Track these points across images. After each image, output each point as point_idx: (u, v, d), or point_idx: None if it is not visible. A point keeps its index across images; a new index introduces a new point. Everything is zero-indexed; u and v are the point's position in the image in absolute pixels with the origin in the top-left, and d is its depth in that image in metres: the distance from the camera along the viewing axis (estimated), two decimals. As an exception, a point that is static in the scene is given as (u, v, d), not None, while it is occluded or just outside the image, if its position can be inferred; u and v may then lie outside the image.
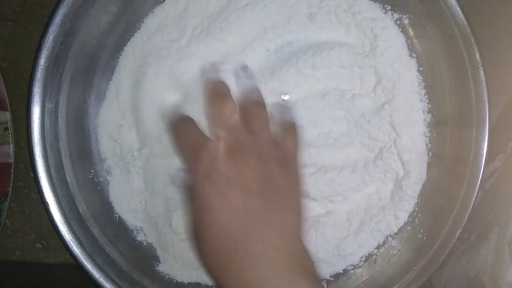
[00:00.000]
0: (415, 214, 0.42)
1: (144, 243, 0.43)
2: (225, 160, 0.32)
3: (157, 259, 0.42)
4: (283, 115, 0.38)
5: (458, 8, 0.38)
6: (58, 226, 0.38)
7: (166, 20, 0.42)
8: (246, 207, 0.31)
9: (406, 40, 0.42)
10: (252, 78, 0.39)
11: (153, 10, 0.42)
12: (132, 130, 0.42)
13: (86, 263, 0.38)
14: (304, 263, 0.31)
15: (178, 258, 0.42)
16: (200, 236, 0.32)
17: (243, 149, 0.33)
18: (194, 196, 0.33)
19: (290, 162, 0.35)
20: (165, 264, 0.42)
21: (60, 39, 0.38)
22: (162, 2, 0.42)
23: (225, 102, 0.35)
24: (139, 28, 0.42)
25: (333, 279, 0.43)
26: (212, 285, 0.43)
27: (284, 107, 0.39)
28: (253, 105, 0.36)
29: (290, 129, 0.38)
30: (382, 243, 0.43)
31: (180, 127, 0.37)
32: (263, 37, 0.41)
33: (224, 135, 0.33)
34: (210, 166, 0.32)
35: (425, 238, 0.41)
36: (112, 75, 0.42)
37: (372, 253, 0.42)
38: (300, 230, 0.33)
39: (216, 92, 0.36)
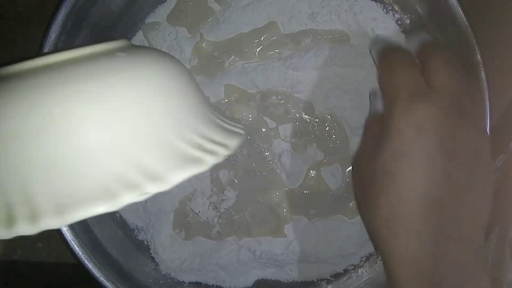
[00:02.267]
0: (416, 214, 0.42)
1: (145, 242, 0.43)
2: (443, 118, 0.28)
3: (158, 259, 0.42)
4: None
5: (459, 9, 0.38)
6: (59, 225, 0.38)
7: (167, 20, 0.42)
8: (447, 176, 0.27)
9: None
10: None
11: (154, 10, 0.42)
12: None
13: (87, 262, 0.38)
14: (486, 264, 0.29)
15: (179, 258, 0.42)
16: (377, 184, 0.28)
17: (462, 112, 0.28)
18: (390, 137, 0.28)
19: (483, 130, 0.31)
20: (166, 264, 0.42)
21: (62, 38, 0.38)
22: (163, 2, 0.42)
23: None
24: (140, 27, 0.42)
25: (333, 279, 0.43)
26: (212, 285, 0.43)
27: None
28: (460, 70, 0.31)
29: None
30: (383, 243, 0.43)
31: (402, 59, 0.32)
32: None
33: (447, 89, 0.29)
34: (425, 118, 0.28)
35: (426, 238, 0.41)
36: (114, 74, 0.42)
37: (373, 253, 0.42)
38: (487, 222, 0.29)
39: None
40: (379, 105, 0.32)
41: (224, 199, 0.41)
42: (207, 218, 0.42)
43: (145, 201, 0.42)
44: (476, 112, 0.30)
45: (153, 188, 0.19)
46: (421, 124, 0.28)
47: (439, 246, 0.27)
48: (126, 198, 0.19)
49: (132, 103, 0.19)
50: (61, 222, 0.17)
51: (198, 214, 0.42)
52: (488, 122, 0.38)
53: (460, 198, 0.27)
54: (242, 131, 0.30)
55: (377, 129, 0.31)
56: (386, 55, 0.32)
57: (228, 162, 0.41)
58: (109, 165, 0.18)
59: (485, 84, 0.38)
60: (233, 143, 0.25)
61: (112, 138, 0.18)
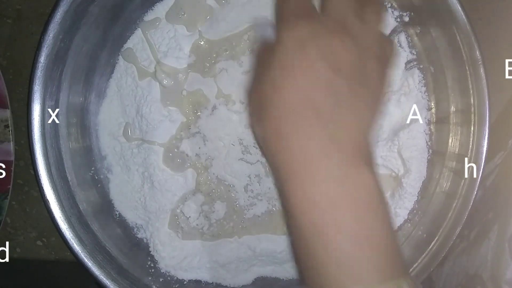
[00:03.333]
0: (415, 211, 0.42)
1: (145, 240, 0.43)
2: (325, 34, 0.30)
3: (157, 257, 0.42)
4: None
5: (459, 6, 0.38)
6: (59, 223, 0.38)
7: (165, 18, 0.42)
8: (329, 84, 0.29)
9: (406, 38, 0.42)
10: None
11: (152, 7, 0.42)
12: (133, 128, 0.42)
13: (86, 260, 0.38)
14: (370, 160, 0.30)
15: (178, 256, 0.42)
16: (267, 96, 0.30)
17: (347, 31, 0.31)
18: (275, 54, 0.30)
19: (385, 62, 0.34)
20: (166, 262, 0.42)
21: (60, 37, 0.38)
22: (161, 0, 0.42)
23: None
24: (139, 25, 0.42)
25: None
26: (212, 283, 0.43)
27: None
28: None
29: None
30: (382, 240, 0.43)
31: None
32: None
33: (334, 12, 0.32)
34: (308, 34, 0.30)
35: (425, 235, 0.41)
36: (113, 72, 0.42)
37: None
38: (372, 128, 0.31)
39: None
40: (268, 33, 0.34)
41: (214, 211, 0.42)
42: (197, 224, 0.42)
43: (145, 199, 0.42)
44: (368, 33, 0.32)
45: None
46: (303, 39, 0.30)
47: (323, 149, 0.29)
48: None
49: None
50: None
51: (188, 219, 0.42)
52: (488, 119, 0.39)
53: (340, 104, 0.29)
54: None
55: (267, 55, 0.32)
56: None
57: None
58: None
59: (484, 81, 0.38)
60: None
61: None
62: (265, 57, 0.32)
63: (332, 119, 0.29)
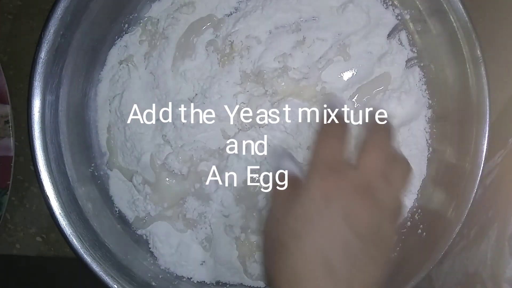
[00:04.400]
0: (414, 209, 0.42)
1: (144, 237, 0.43)
2: (351, 194, 0.31)
3: (156, 253, 0.42)
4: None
5: (460, 4, 0.38)
6: (58, 219, 0.38)
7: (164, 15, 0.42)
8: (346, 246, 0.30)
9: (407, 35, 0.42)
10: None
11: (151, 4, 0.42)
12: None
13: (86, 256, 0.38)
14: None
15: (177, 253, 0.42)
16: (284, 243, 0.31)
17: (372, 192, 0.31)
18: (299, 199, 0.31)
19: (398, 215, 0.34)
20: (165, 258, 0.42)
21: (61, 32, 0.38)
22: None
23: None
24: (140, 23, 0.42)
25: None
26: (211, 281, 0.43)
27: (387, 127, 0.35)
28: (393, 157, 0.34)
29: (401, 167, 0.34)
30: (381, 238, 0.43)
31: (330, 133, 0.33)
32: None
33: (364, 171, 0.32)
34: (335, 190, 0.31)
35: (424, 233, 0.41)
36: (113, 69, 0.43)
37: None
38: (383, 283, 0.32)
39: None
40: (289, 165, 0.34)
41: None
42: (196, 222, 0.42)
43: (145, 197, 0.42)
44: (389, 196, 0.32)
45: None
46: (329, 195, 0.31)
47: None
48: None
49: None
50: None
51: (188, 216, 0.42)
52: (488, 118, 0.39)
53: (354, 264, 0.30)
54: None
55: (287, 193, 0.33)
56: (322, 121, 0.34)
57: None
58: None
59: (484, 79, 0.38)
60: None
61: None
62: (286, 197, 0.32)
63: (345, 278, 0.30)
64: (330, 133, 0.33)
